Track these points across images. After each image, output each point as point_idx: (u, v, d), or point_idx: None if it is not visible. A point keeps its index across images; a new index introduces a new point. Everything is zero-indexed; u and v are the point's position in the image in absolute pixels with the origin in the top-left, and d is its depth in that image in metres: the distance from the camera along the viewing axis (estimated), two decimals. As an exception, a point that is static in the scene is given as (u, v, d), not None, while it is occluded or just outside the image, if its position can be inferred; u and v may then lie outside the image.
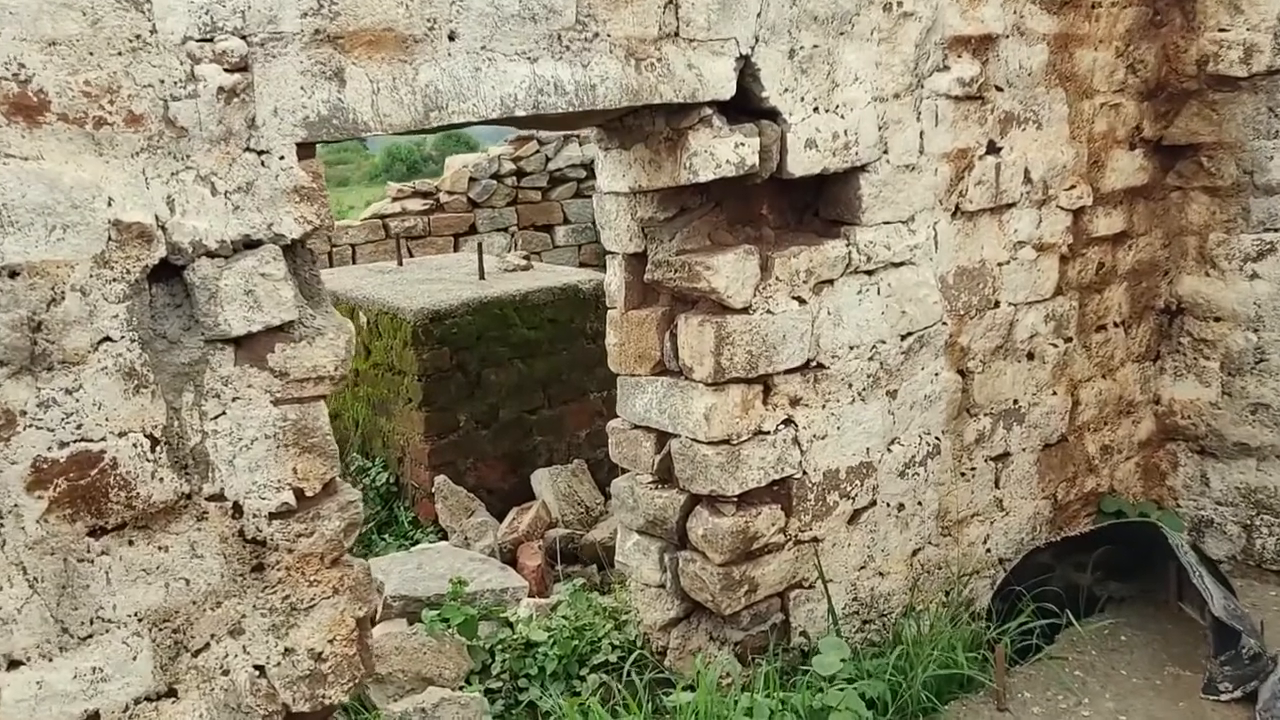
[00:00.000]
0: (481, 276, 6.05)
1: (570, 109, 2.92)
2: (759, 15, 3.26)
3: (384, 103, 2.60)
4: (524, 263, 6.32)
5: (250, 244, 2.44)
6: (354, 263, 8.89)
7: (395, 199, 11.44)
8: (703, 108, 3.20)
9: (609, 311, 3.76)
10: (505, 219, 11.52)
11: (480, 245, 6.22)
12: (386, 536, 5.30)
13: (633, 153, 3.46)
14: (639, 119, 3.37)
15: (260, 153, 2.43)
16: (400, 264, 7.21)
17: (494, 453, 5.57)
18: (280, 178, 2.45)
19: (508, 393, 5.58)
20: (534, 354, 5.62)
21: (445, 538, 5.09)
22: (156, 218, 2.30)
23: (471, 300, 5.46)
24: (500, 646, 3.88)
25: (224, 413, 2.45)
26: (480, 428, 5.52)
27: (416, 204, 11.31)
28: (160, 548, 2.40)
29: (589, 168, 11.78)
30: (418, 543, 5.19)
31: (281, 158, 2.45)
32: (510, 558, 4.81)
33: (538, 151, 11.68)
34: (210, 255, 2.38)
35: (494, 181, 11.52)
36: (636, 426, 3.73)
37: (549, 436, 5.72)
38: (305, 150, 2.51)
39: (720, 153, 3.24)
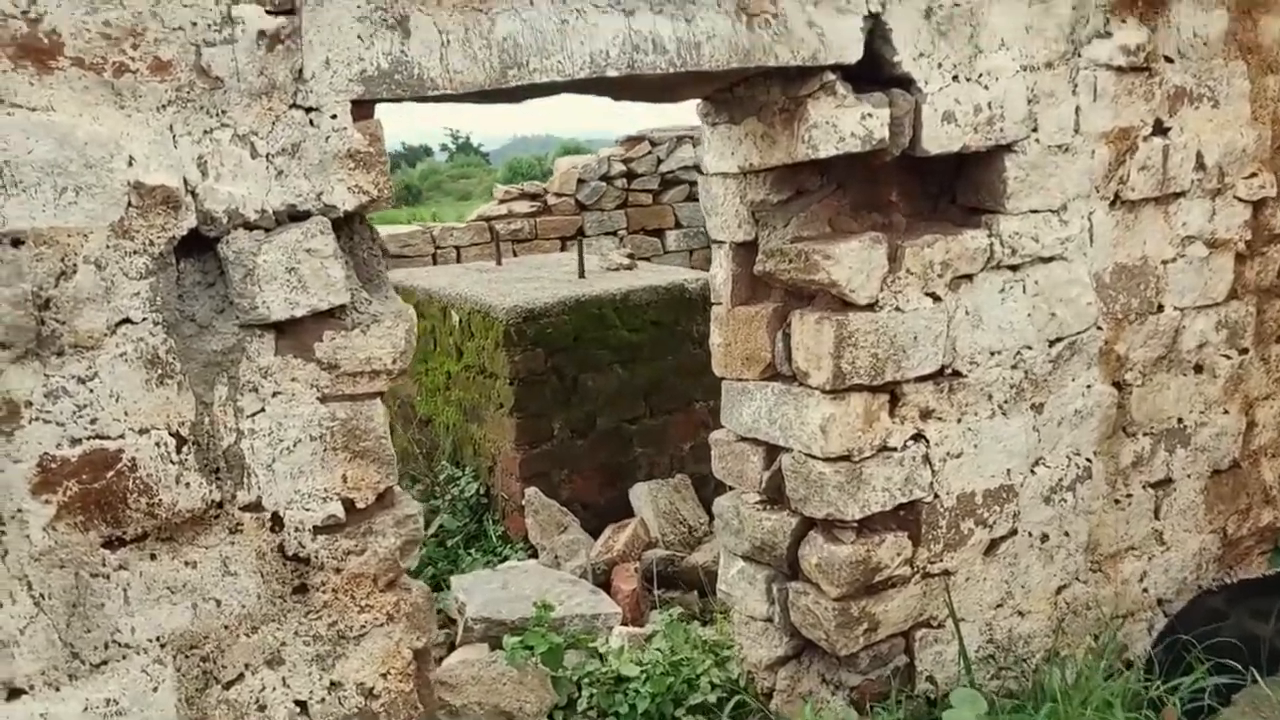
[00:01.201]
0: (581, 275, 5.72)
1: (670, 69, 2.55)
2: (891, -33, 2.85)
3: (454, 57, 2.27)
4: (627, 261, 5.97)
5: (296, 215, 2.13)
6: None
7: (502, 201, 11.26)
8: (824, 73, 2.80)
9: (714, 308, 3.37)
10: (614, 222, 11.23)
11: (580, 242, 5.90)
12: (473, 551, 5.00)
13: (743, 127, 3.08)
14: (751, 88, 2.99)
15: (309, 110, 2.12)
16: (499, 263, 6.95)
17: (590, 464, 5.22)
18: (332, 140, 2.14)
19: (606, 399, 5.22)
20: (635, 358, 5.26)
21: (536, 555, 4.77)
22: (185, 181, 2.01)
23: (568, 299, 5.13)
24: (588, 680, 3.51)
25: (263, 409, 2.14)
26: (576, 437, 5.18)
27: (523, 206, 11.11)
28: (187, 563, 2.10)
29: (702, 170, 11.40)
30: (506, 559, 4.87)
31: (334, 116, 2.14)
32: (604, 579, 4.47)
33: (649, 153, 11.37)
34: (249, 227, 2.08)
35: (603, 183, 11.24)
36: (743, 438, 3.33)
37: (650, 448, 5.34)
38: (362, 109, 2.19)
39: (844, 125, 2.83)
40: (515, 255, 10.05)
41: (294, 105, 2.10)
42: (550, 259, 7.01)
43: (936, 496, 3.18)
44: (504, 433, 5.10)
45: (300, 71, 2.09)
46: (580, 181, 11.30)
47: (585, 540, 4.73)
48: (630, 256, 6.09)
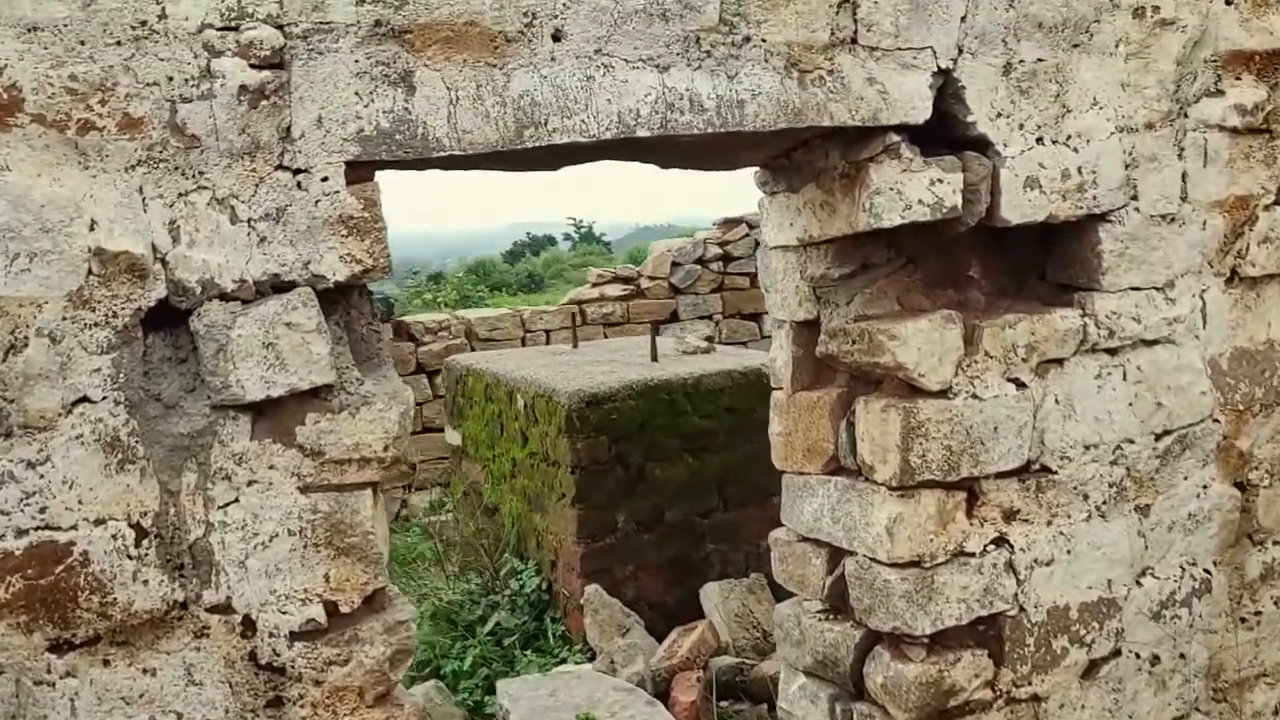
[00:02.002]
0: (654, 359, 5.51)
1: (710, 130, 2.34)
2: (964, 20, 2.61)
3: (464, 116, 2.10)
4: (704, 344, 5.74)
5: (280, 286, 1.97)
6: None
7: (594, 284, 11.20)
8: (888, 134, 2.56)
9: (773, 394, 3.12)
10: (709, 306, 11.05)
11: (654, 325, 5.70)
12: (530, 652, 4.75)
13: (802, 195, 2.85)
14: (809, 153, 2.77)
15: (296, 171, 1.97)
16: (575, 345, 6.79)
17: (657, 560, 4.94)
18: (322, 204, 1.98)
19: (675, 491, 4.96)
20: (707, 447, 5.00)
21: (595, 658, 4.50)
22: (154, 247, 1.86)
23: (635, 383, 4.91)
24: (634, 803, 3.22)
25: (236, 499, 1.96)
26: (642, 530, 4.92)
27: (616, 290, 11.02)
28: (145, 671, 1.91)
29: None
30: (564, 662, 4.61)
31: (325, 179, 1.98)
32: (664, 688, 4.16)
33: (746, 235, 11.21)
34: (226, 298, 1.92)
35: (698, 266, 11.10)
36: (804, 539, 3.04)
37: (723, 544, 5.04)
38: (358, 171, 2.03)
39: (910, 191, 2.58)
40: (605, 339, 9.95)
41: (280, 166, 1.95)
42: (629, 342, 6.82)
43: (1023, 609, 2.83)
44: (565, 525, 4.88)
45: (288, 130, 1.95)
46: (674, 264, 11.18)
47: (647, 644, 4.44)
48: (709, 339, 5.86)
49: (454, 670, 4.68)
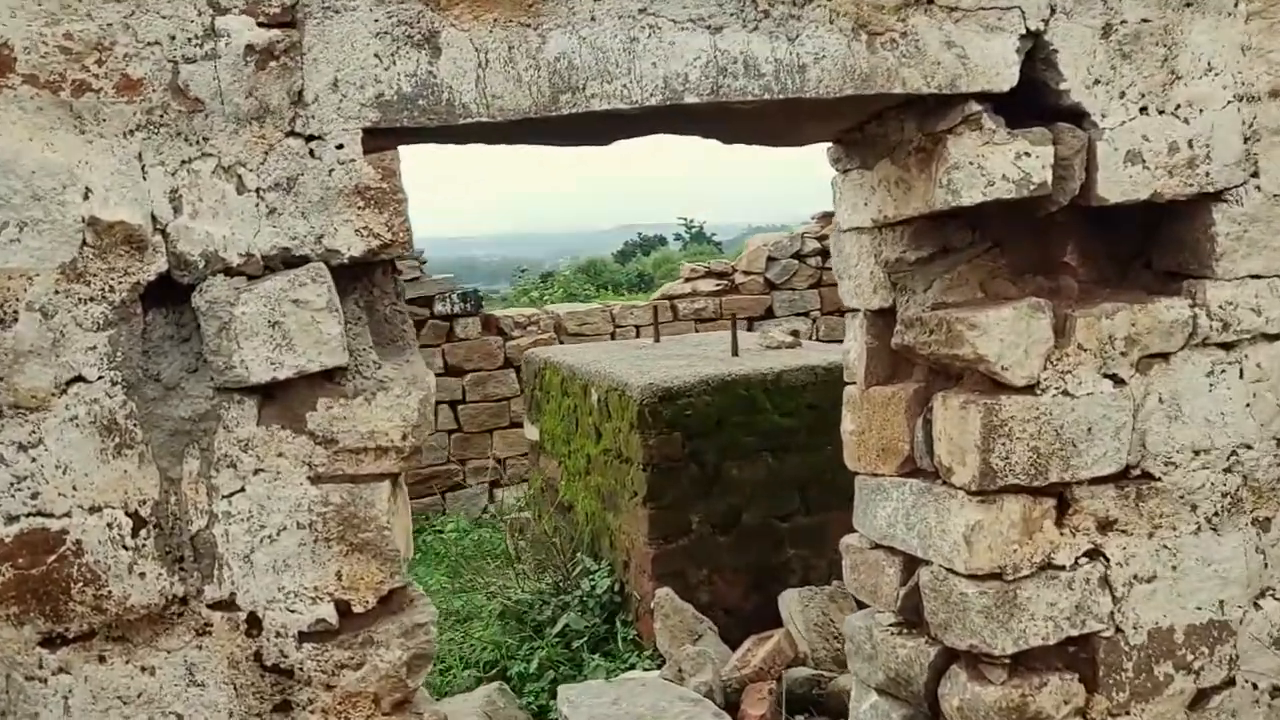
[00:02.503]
0: (735, 353, 5.31)
1: (767, 97, 2.17)
2: (1057, -25, 2.40)
3: (494, 80, 1.97)
4: (789, 339, 5.52)
5: (291, 261, 1.86)
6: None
7: (687, 279, 11.03)
8: (968, 102, 2.34)
9: (846, 388, 2.92)
10: (806, 302, 10.78)
11: (734, 319, 5.49)
12: (598, 657, 4.61)
13: (876, 172, 2.65)
14: (883, 125, 2.57)
15: (309, 138, 1.85)
16: (657, 339, 6.63)
17: (734, 565, 4.75)
18: (336, 173, 1.87)
19: (753, 492, 4.76)
20: (788, 446, 4.78)
21: (665, 665, 4.34)
22: (154, 218, 1.77)
23: (712, 378, 4.72)
24: (693, 823, 3.05)
25: (242, 489, 1.85)
26: (718, 533, 4.73)
27: (709, 285, 10.83)
28: (144, 669, 1.82)
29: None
30: (633, 668, 4.46)
31: (340, 146, 1.86)
32: (734, 699, 3.98)
33: (844, 229, 10.90)
34: (231, 272, 1.82)
35: (795, 261, 10.84)
36: (877, 545, 2.83)
37: (805, 550, 4.83)
38: (376, 140, 1.91)
39: (993, 166, 2.36)
40: (694, 334, 9.80)
41: (291, 133, 1.84)
42: (713, 337, 6.61)
43: (1119, 630, 2.58)
44: (637, 525, 4.72)
45: (300, 93, 1.83)
46: (770, 259, 10.94)
47: (720, 651, 4.26)
48: (794, 334, 5.64)
49: (520, 672, 4.57)
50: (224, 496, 1.84)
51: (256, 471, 1.85)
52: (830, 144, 2.81)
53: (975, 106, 2.34)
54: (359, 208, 1.87)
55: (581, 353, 5.99)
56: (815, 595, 4.54)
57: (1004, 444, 2.43)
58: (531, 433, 6.34)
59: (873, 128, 2.59)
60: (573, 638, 4.75)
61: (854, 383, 2.88)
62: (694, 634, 4.33)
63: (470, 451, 9.43)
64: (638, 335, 10.31)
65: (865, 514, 2.86)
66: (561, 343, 9.58)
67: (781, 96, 2.18)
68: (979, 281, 2.59)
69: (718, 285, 11.05)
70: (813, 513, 4.83)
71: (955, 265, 2.59)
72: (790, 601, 4.53)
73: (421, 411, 1.93)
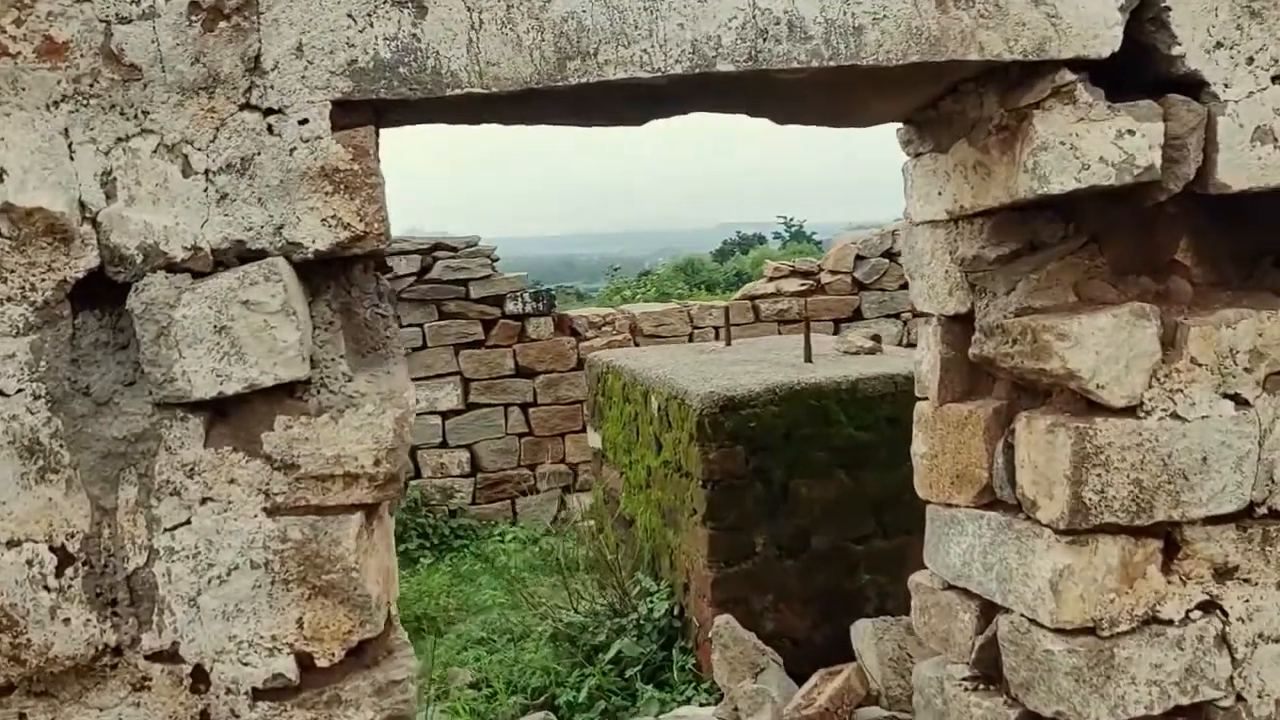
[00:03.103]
0: (808, 359, 4.96)
1: (816, 64, 1.86)
2: (1171, -80, 2.05)
3: (489, 43, 1.70)
4: (869, 344, 5.16)
5: (246, 255, 1.62)
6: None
7: (771, 278, 10.68)
8: (1059, 70, 2.00)
9: (918, 405, 2.60)
10: (896, 303, 10.34)
11: (807, 322, 5.12)
12: (653, 687, 4.32)
13: (951, 155, 2.32)
14: (960, 101, 2.24)
15: (267, 112, 1.60)
16: (728, 343, 6.31)
17: (802, 591, 4.41)
18: (299, 153, 1.62)
19: (824, 512, 4.40)
20: (864, 463, 4.42)
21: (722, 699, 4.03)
22: (82, 205, 1.53)
23: (780, 386, 4.38)
24: None
25: (187, 521, 1.61)
26: (785, 556, 4.39)
27: (793, 284, 10.46)
28: (69, 728, 1.60)
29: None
30: (689, 701, 4.17)
31: (304, 121, 1.62)
32: (797, 742, 3.67)
33: (938, 227, 10.46)
34: (175, 269, 1.59)
35: (885, 260, 10.41)
36: (950, 586, 2.50)
37: (881, 576, 4.46)
38: (348, 115, 1.66)
39: (1089, 147, 2.02)
40: (770, 337, 9.51)
41: (246, 105, 1.60)
42: (786, 341, 6.26)
43: (1241, 699, 2.21)
44: (697, 545, 4.42)
45: (256, 59, 1.59)
46: (859, 258, 10.53)
47: (785, 686, 3.95)
48: (874, 339, 5.27)
49: (569, 701, 4.30)
50: (166, 530, 1.60)
51: (204, 501, 1.61)
52: (901, 124, 2.49)
53: (1068, 75, 2.00)
54: (326, 193, 1.62)
55: (644, 356, 5.70)
56: (891, 626, 4.18)
57: (1099, 475, 2.08)
58: (594, 440, 6.08)
59: (948, 104, 2.27)
60: (627, 665, 4.46)
61: (926, 398, 2.55)
62: (755, 666, 4.02)
63: (541, 456, 9.25)
64: (716, 337, 10.01)
65: (937, 549, 2.53)
66: (636, 344, 9.32)
67: (833, 64, 1.87)
68: (1072, 283, 2.24)
69: (803, 285, 10.67)
70: (890, 536, 4.47)
71: (1044, 264, 2.24)
72: (863, 633, 4.18)
73: (398, 432, 1.67)
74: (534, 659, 4.64)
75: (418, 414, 9.57)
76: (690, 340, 9.91)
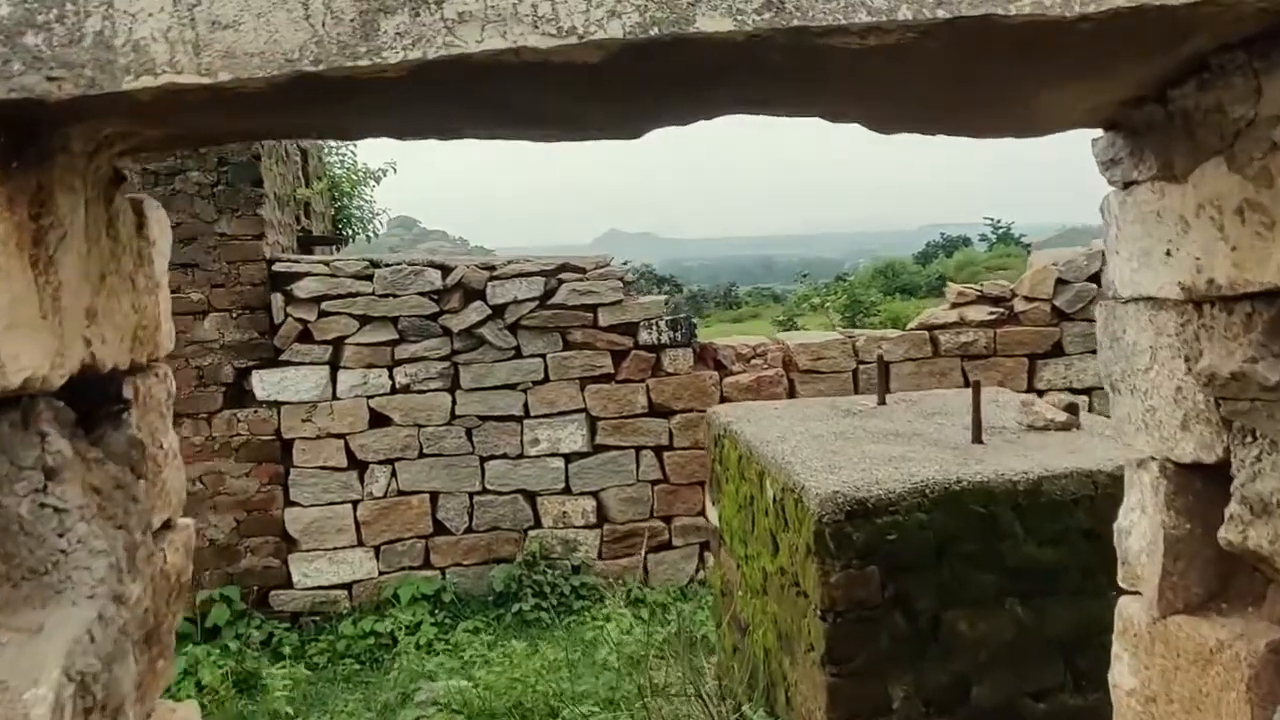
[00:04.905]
0: (977, 438, 3.86)
1: (903, 15, 0.94)
2: None
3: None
4: (1063, 417, 3.99)
5: None
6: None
7: (954, 305, 9.59)
8: None
9: (1120, 603, 1.61)
10: (1106, 338, 9.11)
11: (977, 385, 4.00)
12: None
13: (1195, 187, 1.34)
14: (1208, 88, 1.26)
15: None
16: (882, 400, 5.26)
17: (960, 763, 3.39)
18: None
19: (991, 656, 3.33)
20: (1049, 590, 3.32)
21: None
22: None
23: (931, 484, 3.32)
24: None
25: None
26: (935, 713, 3.32)
27: (980, 313, 9.35)
28: None
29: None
30: None
31: None
32: None
33: (1158, 246, 9.17)
34: None
35: (1092, 285, 9.20)
36: None
37: (1072, 743, 3.41)
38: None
39: None
40: (965, 376, 8.44)
41: None
42: (958, 399, 5.10)
43: None
44: (815, 691, 3.45)
45: None
46: (1060, 282, 9.36)
47: None
48: (1070, 409, 4.12)
49: None
50: None
51: None
52: (1100, 131, 1.52)
53: None
54: None
55: (765, 420, 4.68)
56: (1083, 821, 3.14)
57: None
58: (712, 516, 5.16)
59: (1182, 94, 1.29)
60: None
61: (1137, 591, 1.57)
62: None
63: (677, 507, 8.46)
64: (886, 379, 9.01)
65: None
66: (790, 380, 8.42)
67: (946, 15, 0.94)
68: None
69: (992, 313, 9.56)
70: (1085, 690, 3.38)
71: (1373, 393, 1.24)
72: (1043, 827, 3.15)
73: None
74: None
75: (538, 456, 8.81)
76: (854, 377, 8.94)
